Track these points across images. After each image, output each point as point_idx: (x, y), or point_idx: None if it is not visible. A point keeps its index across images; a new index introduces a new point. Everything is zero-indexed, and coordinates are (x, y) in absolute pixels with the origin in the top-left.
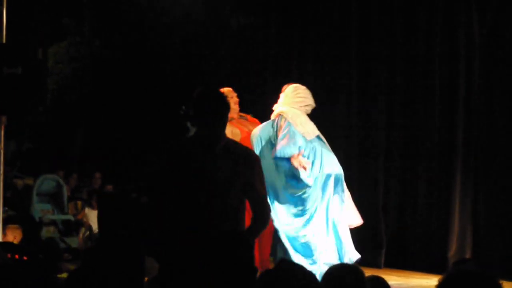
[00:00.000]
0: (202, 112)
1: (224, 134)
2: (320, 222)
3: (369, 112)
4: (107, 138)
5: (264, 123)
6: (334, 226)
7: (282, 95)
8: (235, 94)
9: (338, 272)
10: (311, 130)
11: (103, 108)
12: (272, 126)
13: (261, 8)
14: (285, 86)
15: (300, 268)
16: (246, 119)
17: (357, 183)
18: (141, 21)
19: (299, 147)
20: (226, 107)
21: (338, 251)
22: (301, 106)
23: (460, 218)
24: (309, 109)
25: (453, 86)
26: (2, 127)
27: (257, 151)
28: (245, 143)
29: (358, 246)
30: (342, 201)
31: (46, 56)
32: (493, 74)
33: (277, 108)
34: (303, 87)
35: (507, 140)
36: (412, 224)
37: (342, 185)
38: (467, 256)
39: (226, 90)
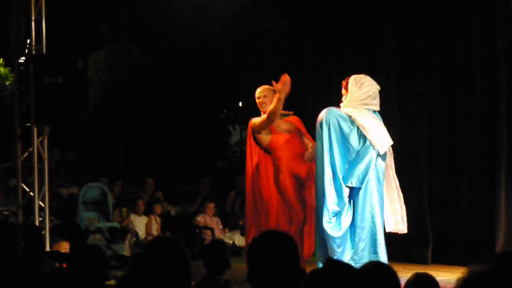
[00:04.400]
0: None
1: None
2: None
3: (410, 113)
4: (149, 144)
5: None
6: None
7: (344, 93)
8: (271, 94)
9: (371, 271)
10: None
11: (144, 114)
12: (352, 123)
13: (297, 10)
14: (350, 78)
15: (348, 267)
16: (287, 116)
17: (401, 180)
18: (176, 28)
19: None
20: None
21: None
22: (366, 98)
23: (507, 212)
24: (376, 97)
25: (494, 84)
26: (46, 137)
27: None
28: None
29: (404, 243)
30: None
31: (86, 65)
32: None
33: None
34: (363, 75)
35: None
36: (458, 218)
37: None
38: None
39: (263, 88)
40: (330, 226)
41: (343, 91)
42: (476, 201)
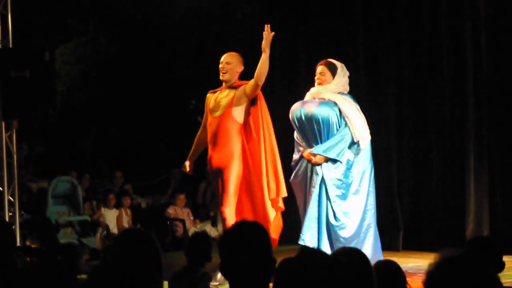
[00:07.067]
0: None
1: None
2: None
3: (378, 99)
4: (118, 136)
5: (318, 103)
6: None
7: (326, 75)
8: (235, 62)
9: (343, 256)
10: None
11: (113, 107)
12: (336, 113)
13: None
14: (336, 63)
15: (320, 254)
16: (235, 88)
17: None
18: (144, 18)
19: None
20: None
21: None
22: (346, 84)
23: (476, 196)
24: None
25: (461, 63)
26: (14, 131)
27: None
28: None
29: None
30: None
31: (54, 58)
32: (501, 50)
33: (330, 90)
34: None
35: None
36: (428, 205)
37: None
38: (485, 233)
39: (228, 54)
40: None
41: (323, 70)
42: (446, 187)
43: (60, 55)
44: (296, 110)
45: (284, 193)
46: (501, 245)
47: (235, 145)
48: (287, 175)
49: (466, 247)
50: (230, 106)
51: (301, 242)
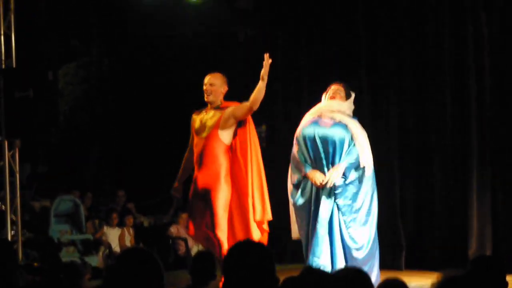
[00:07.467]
0: None
1: None
2: None
3: (380, 114)
4: (121, 155)
5: (331, 124)
6: None
7: (341, 93)
8: (218, 83)
9: (345, 275)
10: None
11: (116, 127)
12: (349, 135)
13: (268, 19)
14: (351, 91)
15: (323, 274)
16: (221, 109)
17: None
18: (148, 38)
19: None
20: None
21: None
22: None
23: (479, 215)
24: None
25: (463, 84)
26: (17, 150)
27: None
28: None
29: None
30: None
31: (57, 78)
32: (504, 66)
33: (341, 112)
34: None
35: None
36: (430, 224)
37: None
38: (488, 253)
39: (212, 75)
40: None
41: (340, 88)
42: (449, 206)
43: (63, 75)
44: (308, 128)
45: (269, 216)
46: (504, 264)
47: (221, 165)
48: (283, 195)
49: (469, 267)
50: (217, 127)
51: (314, 265)
